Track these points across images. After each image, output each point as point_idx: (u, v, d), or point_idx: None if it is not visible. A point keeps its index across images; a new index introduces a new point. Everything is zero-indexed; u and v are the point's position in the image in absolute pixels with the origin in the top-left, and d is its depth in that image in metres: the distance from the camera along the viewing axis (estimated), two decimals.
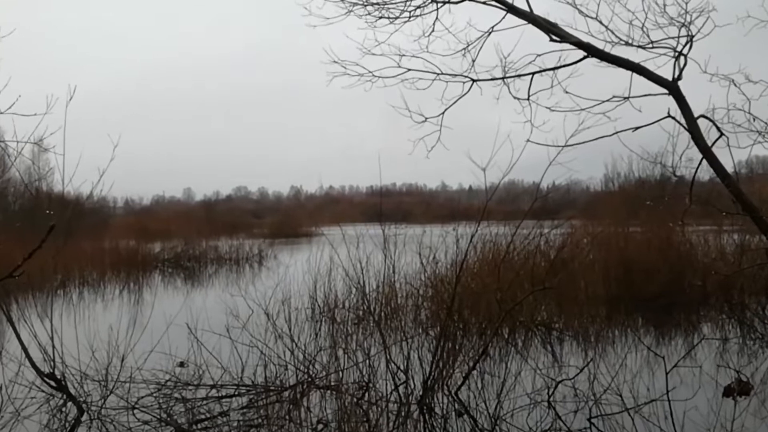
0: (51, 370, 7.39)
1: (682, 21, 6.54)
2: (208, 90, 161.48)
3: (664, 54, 6.51)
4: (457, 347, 8.15)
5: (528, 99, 6.94)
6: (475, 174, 7.93)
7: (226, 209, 75.44)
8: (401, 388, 7.54)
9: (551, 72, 6.77)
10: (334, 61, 7.31)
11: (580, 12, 6.64)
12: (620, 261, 15.03)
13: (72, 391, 7.57)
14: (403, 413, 7.16)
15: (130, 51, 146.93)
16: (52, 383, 7.49)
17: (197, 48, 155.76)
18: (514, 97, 7.02)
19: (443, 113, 7.40)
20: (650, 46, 6.48)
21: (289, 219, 55.48)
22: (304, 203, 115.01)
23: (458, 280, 7.59)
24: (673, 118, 6.05)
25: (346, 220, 56.57)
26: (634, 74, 6.12)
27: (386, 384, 7.62)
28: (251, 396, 7.64)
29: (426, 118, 7.40)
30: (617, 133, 5.94)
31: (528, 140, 6.12)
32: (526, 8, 6.86)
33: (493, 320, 9.23)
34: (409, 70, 7.23)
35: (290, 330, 9.00)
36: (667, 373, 6.40)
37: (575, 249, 15.52)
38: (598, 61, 6.35)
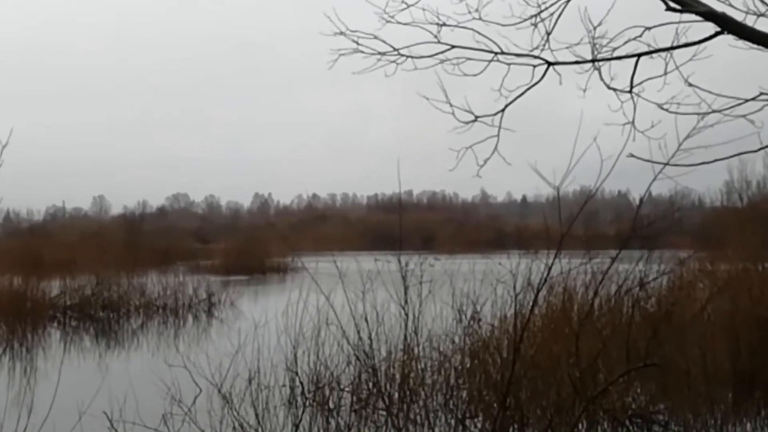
0: None
1: None
2: (135, 65, 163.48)
3: None
4: None
5: (630, 91, 6.99)
6: (533, 179, 7.96)
7: (157, 229, 75.60)
8: None
9: (664, 54, 6.77)
10: (341, 33, 7.27)
11: None
12: (754, 318, 14.95)
13: None
14: None
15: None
16: None
17: (117, 4, 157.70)
18: (609, 88, 7.05)
19: (503, 110, 7.40)
20: None
21: (253, 244, 55.31)
22: (274, 220, 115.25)
23: (517, 352, 7.58)
24: None
25: (339, 245, 56.58)
26: None
27: None
28: None
29: (476, 117, 7.38)
30: (766, 148, 5.94)
31: (630, 154, 6.14)
32: None
33: (567, 409, 9.21)
34: (453, 46, 7.21)
35: (259, 420, 9.01)
36: None
37: (687, 298, 15.47)
38: (735, 39, 6.34)
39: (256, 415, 10.60)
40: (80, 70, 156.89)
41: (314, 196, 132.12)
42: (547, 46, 7.29)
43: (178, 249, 54.54)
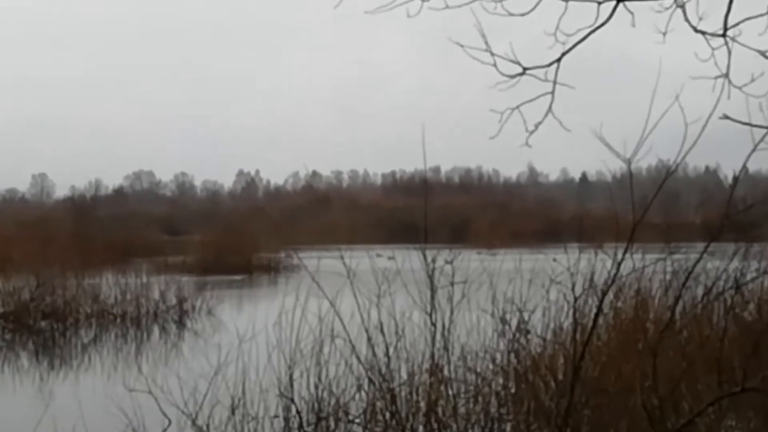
0: None
1: None
2: (83, 13, 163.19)
3: None
4: None
5: (724, 34, 6.93)
6: (596, 150, 7.90)
7: (114, 216, 75.93)
8: None
9: None
10: None
11: None
12: None
13: None
14: None
15: None
16: None
17: None
18: (697, 31, 7.00)
19: (560, 60, 7.35)
20: None
21: (236, 236, 55.43)
22: (263, 204, 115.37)
23: (577, 374, 7.57)
24: None
25: (347, 237, 56.53)
26: None
27: None
28: None
29: (525, 69, 7.35)
30: None
31: (723, 116, 6.10)
32: None
33: None
34: None
35: None
36: None
37: None
38: None
39: None
40: (11, 13, 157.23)
41: (314, 174, 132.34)
42: None
43: (141, 242, 54.94)
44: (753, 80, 6.98)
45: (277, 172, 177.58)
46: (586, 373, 9.78)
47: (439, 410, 11.82)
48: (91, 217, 67.20)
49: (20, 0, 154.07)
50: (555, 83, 7.40)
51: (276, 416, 12.58)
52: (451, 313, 11.97)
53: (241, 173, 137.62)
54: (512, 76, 7.36)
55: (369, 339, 11.37)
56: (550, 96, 7.38)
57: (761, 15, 6.89)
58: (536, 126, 7.39)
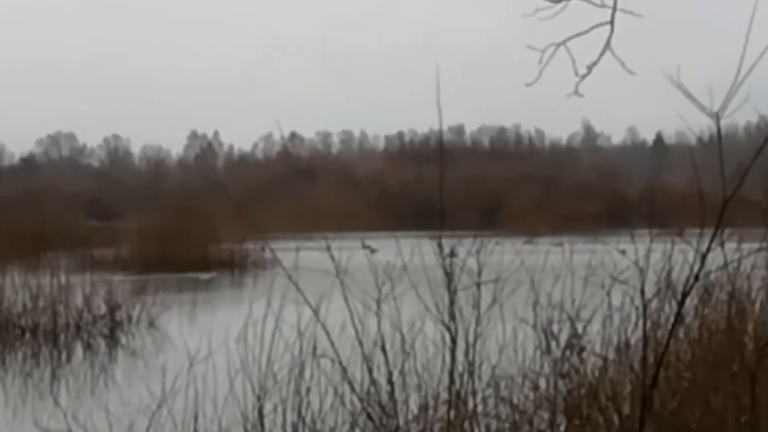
0: None
1: None
2: None
3: None
4: None
5: None
6: (672, 102, 7.92)
7: (22, 194, 76.13)
8: None
9: None
10: None
11: None
12: None
13: None
14: None
15: None
16: None
17: None
18: None
19: None
20: None
21: (188, 221, 55.60)
22: (224, 178, 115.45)
23: (649, 405, 7.58)
24: None
25: (336, 222, 56.72)
26: None
27: None
28: None
29: None
30: None
31: None
32: None
33: None
34: None
35: None
36: None
37: None
38: None
39: None
40: None
41: (293, 137, 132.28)
42: None
43: (59, 229, 55.01)
44: None
45: (242, 134, 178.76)
46: (660, 405, 9.79)
47: None
48: None
49: None
50: (614, 9, 7.43)
51: None
52: (477, 323, 11.96)
53: (194, 136, 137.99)
54: (557, 1, 7.40)
55: (366, 359, 11.37)
56: (608, 27, 7.41)
57: None
58: (589, 68, 7.42)
